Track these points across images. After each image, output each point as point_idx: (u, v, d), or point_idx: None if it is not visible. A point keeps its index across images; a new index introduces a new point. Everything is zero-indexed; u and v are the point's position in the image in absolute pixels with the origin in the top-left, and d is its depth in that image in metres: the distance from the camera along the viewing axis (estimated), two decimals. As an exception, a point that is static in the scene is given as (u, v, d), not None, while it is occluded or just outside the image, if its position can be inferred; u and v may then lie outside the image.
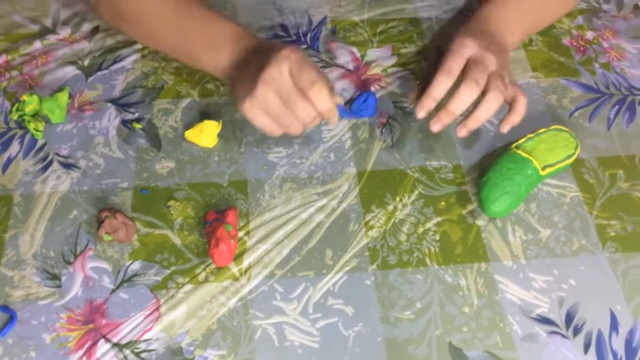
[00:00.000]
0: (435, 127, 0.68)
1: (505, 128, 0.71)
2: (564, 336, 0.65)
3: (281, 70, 0.64)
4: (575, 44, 0.91)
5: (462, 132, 0.69)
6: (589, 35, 0.92)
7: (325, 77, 0.67)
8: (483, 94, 0.68)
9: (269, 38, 0.89)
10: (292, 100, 0.65)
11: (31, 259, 0.68)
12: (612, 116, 0.83)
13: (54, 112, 0.78)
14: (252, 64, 0.67)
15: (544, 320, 0.66)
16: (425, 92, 0.68)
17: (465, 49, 0.68)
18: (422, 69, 0.86)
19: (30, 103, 0.77)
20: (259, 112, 0.66)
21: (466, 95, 0.67)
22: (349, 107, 0.81)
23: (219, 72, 0.73)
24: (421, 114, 0.69)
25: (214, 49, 0.72)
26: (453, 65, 0.69)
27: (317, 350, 0.64)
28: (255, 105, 0.65)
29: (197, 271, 0.68)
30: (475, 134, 0.80)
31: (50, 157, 0.76)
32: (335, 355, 0.63)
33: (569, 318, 0.66)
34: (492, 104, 0.67)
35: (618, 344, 0.65)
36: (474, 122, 0.68)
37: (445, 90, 0.68)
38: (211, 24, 0.73)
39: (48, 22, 0.89)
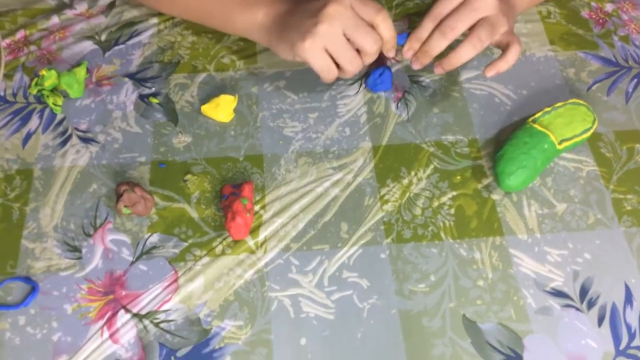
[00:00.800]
0: (437, 70, 0.72)
1: (489, 72, 0.71)
2: (578, 309, 0.66)
3: (344, 5, 0.65)
4: (594, 16, 0.89)
5: (438, 70, 0.72)
6: (608, 7, 0.90)
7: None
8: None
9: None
10: (360, 30, 0.66)
11: (52, 231, 0.69)
12: (630, 90, 0.82)
13: (72, 86, 0.79)
14: (300, 9, 0.68)
15: (558, 293, 0.67)
16: (411, 33, 0.71)
17: None
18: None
19: (49, 78, 0.78)
20: (319, 51, 0.67)
21: (467, 51, 0.69)
22: (364, 82, 0.81)
23: (257, 30, 0.73)
24: (408, 54, 0.72)
25: (249, 6, 0.73)
26: (443, 9, 0.69)
27: (332, 322, 0.65)
28: (318, 42, 0.66)
29: (214, 244, 0.69)
30: (490, 108, 0.79)
31: (69, 131, 0.77)
32: (350, 326, 0.64)
33: (584, 291, 0.67)
34: (467, 51, 0.69)
35: (632, 317, 0.65)
36: (447, 63, 0.71)
37: (428, 32, 0.70)
38: None
39: (65, -3, 0.90)
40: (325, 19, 0.65)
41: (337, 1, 0.65)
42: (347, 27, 0.66)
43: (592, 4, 0.91)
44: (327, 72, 0.69)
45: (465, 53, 0.69)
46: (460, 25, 0.68)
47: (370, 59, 0.69)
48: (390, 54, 0.71)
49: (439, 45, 0.69)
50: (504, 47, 0.71)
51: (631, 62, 0.84)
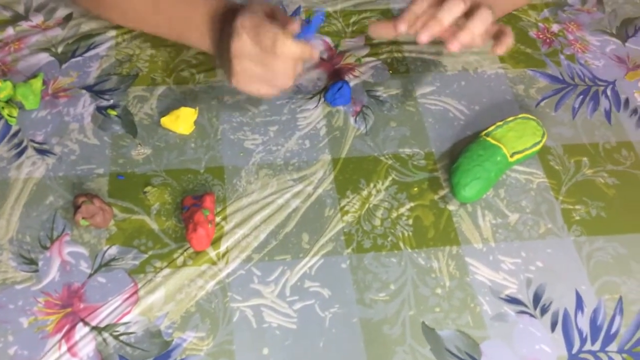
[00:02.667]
0: (423, 37, 0.65)
1: (452, 46, 0.65)
2: (532, 315, 0.68)
3: (243, 41, 0.64)
4: (541, 36, 0.94)
5: (424, 36, 0.65)
6: (555, 27, 0.95)
7: (281, 24, 0.65)
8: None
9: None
10: (265, 63, 0.65)
11: (7, 244, 0.68)
12: (576, 106, 0.86)
13: (28, 98, 0.77)
14: (225, 37, 0.68)
15: (512, 300, 0.69)
16: (405, 10, 0.68)
17: None
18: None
19: (4, 89, 0.77)
20: (246, 83, 0.67)
21: (453, 7, 0.64)
22: (324, 96, 0.82)
23: (209, 51, 0.73)
24: (402, 26, 0.67)
25: (198, 29, 0.72)
26: None
27: (295, 331, 0.65)
28: (239, 79, 0.67)
29: (175, 255, 0.69)
30: (446, 122, 0.82)
31: (25, 143, 0.76)
32: (312, 335, 0.65)
33: (537, 298, 0.69)
34: (453, 7, 0.64)
35: (583, 322, 0.68)
36: (436, 24, 0.64)
37: (422, 9, 0.67)
38: (190, 6, 0.73)
39: (20, 9, 0.88)
40: (234, 60, 0.65)
41: (237, 37, 0.64)
42: (253, 61, 0.65)
43: (540, 24, 0.95)
44: (265, 93, 0.68)
45: (450, 10, 0.64)
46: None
47: (300, 67, 0.68)
48: (313, 60, 0.70)
49: (455, 9, 0.64)
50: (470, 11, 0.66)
51: (577, 79, 0.88)
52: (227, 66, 0.67)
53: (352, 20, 0.92)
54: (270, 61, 0.65)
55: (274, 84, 0.67)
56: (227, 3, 0.72)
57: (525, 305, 0.68)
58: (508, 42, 0.69)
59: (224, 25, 0.69)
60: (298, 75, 0.68)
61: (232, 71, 0.66)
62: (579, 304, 0.69)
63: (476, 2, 0.67)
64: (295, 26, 0.66)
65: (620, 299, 0.70)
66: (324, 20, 0.78)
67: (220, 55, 0.70)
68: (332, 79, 0.85)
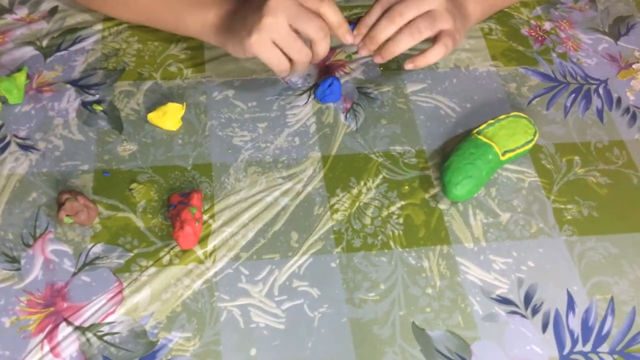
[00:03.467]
0: (377, 59, 0.72)
1: (407, 65, 0.72)
2: (523, 316, 0.67)
3: (282, 6, 0.65)
4: (533, 34, 0.93)
5: (378, 59, 0.72)
6: (547, 25, 0.94)
7: None
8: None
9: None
10: (303, 18, 0.66)
11: (-12, 241, 0.66)
12: (568, 104, 0.85)
13: (11, 92, 0.76)
14: (246, 6, 0.68)
15: (503, 300, 0.68)
16: (360, 20, 0.72)
17: None
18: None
19: (-13, 83, 0.75)
20: (267, 44, 0.67)
21: (405, 40, 0.69)
22: (314, 93, 0.81)
23: (208, 30, 0.73)
24: (357, 38, 0.72)
25: (200, 7, 0.72)
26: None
27: (283, 332, 0.64)
28: (264, 36, 0.66)
29: (161, 254, 0.67)
30: (437, 120, 0.81)
31: (8, 138, 0.74)
32: (301, 336, 0.64)
33: (528, 298, 0.68)
34: (405, 40, 0.69)
35: (575, 323, 0.67)
36: (386, 53, 0.71)
37: (377, 17, 0.71)
38: None
39: (5, 1, 0.87)
40: (268, 12, 0.65)
41: None
42: (290, 18, 0.66)
43: (532, 22, 0.94)
44: (278, 64, 0.69)
45: (403, 42, 0.69)
46: (407, 12, 0.69)
47: (320, 48, 0.69)
48: (346, 39, 0.70)
49: (385, 30, 0.70)
50: (433, 41, 0.72)
51: (569, 78, 0.88)
52: (247, 28, 0.67)
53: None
54: (306, 22, 0.66)
55: (295, 52, 0.68)
56: None
57: (517, 306, 0.68)
58: (419, 61, 0.72)
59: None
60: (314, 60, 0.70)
61: (257, 27, 0.66)
62: (571, 305, 0.68)
63: (440, 39, 0.71)
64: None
65: (612, 299, 0.69)
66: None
67: (234, 24, 0.70)
68: (322, 75, 0.84)
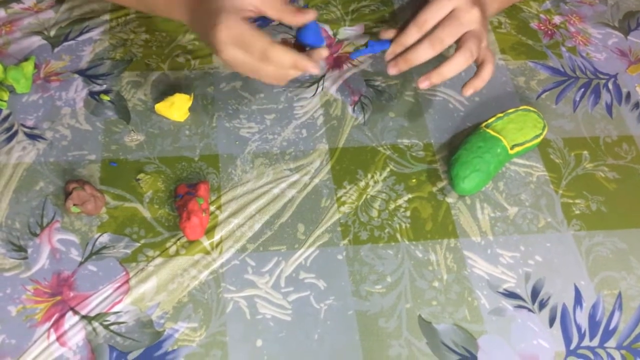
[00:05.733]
0: (423, 84, 0.68)
1: (467, 91, 0.70)
2: (530, 310, 0.67)
3: (228, 54, 0.61)
4: (543, 27, 0.92)
5: (424, 84, 0.68)
6: (557, 19, 0.93)
7: (280, 11, 0.64)
8: (455, 49, 0.68)
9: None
10: (256, 71, 0.63)
11: (-4, 230, 0.66)
12: (577, 99, 0.84)
13: (19, 81, 0.76)
14: (204, 18, 0.64)
15: (510, 294, 0.68)
16: (395, 39, 0.69)
17: (451, 1, 0.67)
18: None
19: (-6, 72, 0.75)
20: (234, 69, 0.64)
21: (459, 64, 0.67)
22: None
23: (177, 7, 0.69)
24: (389, 56, 0.69)
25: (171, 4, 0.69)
26: (430, 17, 0.68)
27: (289, 323, 0.64)
28: (227, 65, 0.64)
29: (168, 244, 0.67)
30: (444, 112, 0.81)
31: (16, 127, 0.74)
32: (307, 327, 0.64)
33: (535, 293, 0.68)
34: (459, 64, 0.67)
35: (582, 318, 0.67)
36: (437, 77, 0.68)
37: (414, 41, 0.68)
38: None
39: (12, -9, 0.87)
40: (218, 53, 0.62)
41: (221, 52, 0.62)
42: (244, 67, 0.63)
43: (541, 15, 0.94)
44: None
45: (457, 66, 0.67)
46: (449, 38, 0.67)
47: (292, 76, 0.65)
48: (310, 71, 0.65)
49: (425, 55, 0.67)
50: (479, 62, 0.71)
51: (578, 72, 0.87)
52: (211, 47, 0.63)
53: (351, 8, 0.91)
54: (262, 72, 0.63)
55: (265, 81, 0.65)
56: None
57: (524, 300, 0.67)
58: (477, 85, 0.70)
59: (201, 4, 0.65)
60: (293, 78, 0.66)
61: (218, 56, 0.63)
62: (578, 299, 0.68)
63: (484, 57, 0.70)
64: (296, 17, 0.64)
65: (620, 294, 0.69)
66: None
67: (199, 31, 0.66)
68: (331, 67, 0.83)
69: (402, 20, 0.90)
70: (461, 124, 0.80)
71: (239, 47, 0.61)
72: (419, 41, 0.68)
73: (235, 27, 0.61)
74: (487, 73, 0.70)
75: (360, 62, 0.85)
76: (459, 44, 0.68)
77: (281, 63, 0.62)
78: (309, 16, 0.64)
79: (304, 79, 0.82)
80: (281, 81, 0.65)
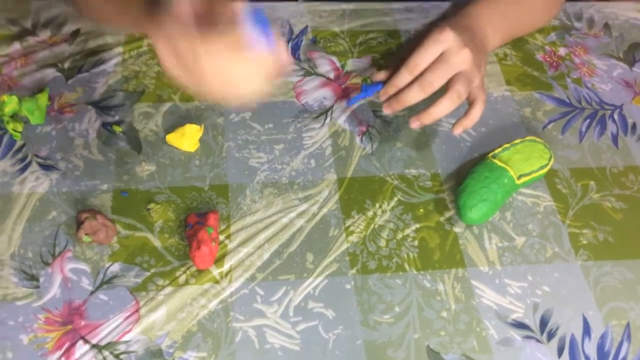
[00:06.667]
0: (414, 124, 0.72)
1: (457, 130, 0.74)
2: (538, 340, 0.67)
3: (167, 61, 0.56)
4: (548, 59, 0.93)
5: (415, 124, 0.72)
6: (562, 51, 0.95)
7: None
8: (445, 90, 0.71)
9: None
10: (196, 80, 0.57)
11: (9, 259, 0.67)
12: (583, 129, 0.85)
13: (33, 113, 0.77)
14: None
15: (519, 324, 0.68)
16: (388, 81, 0.73)
17: (441, 44, 0.70)
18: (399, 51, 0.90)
19: (10, 103, 0.77)
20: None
21: (447, 106, 0.70)
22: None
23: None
24: (383, 97, 0.74)
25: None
26: (420, 61, 0.71)
27: (298, 353, 0.64)
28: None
29: (178, 274, 0.68)
30: (451, 143, 0.81)
31: (29, 158, 0.75)
32: (316, 357, 0.64)
33: (543, 323, 0.68)
34: (447, 106, 0.70)
35: (590, 348, 0.67)
36: (427, 118, 0.71)
37: (405, 83, 0.72)
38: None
39: (28, 24, 0.89)
40: (164, 65, 0.57)
41: (160, 50, 0.56)
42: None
43: (547, 47, 0.95)
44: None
45: (445, 108, 0.70)
46: (438, 81, 0.70)
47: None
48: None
49: (416, 97, 0.71)
50: (470, 101, 0.74)
51: (584, 103, 0.88)
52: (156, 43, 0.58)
53: (358, 41, 0.92)
54: (199, 75, 0.56)
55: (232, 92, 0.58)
56: None
57: (532, 330, 0.67)
58: (466, 124, 0.73)
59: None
60: (267, 80, 0.57)
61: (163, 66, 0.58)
62: (586, 330, 0.68)
63: (475, 96, 0.73)
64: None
65: (628, 324, 0.69)
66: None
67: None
68: (338, 99, 0.85)
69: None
70: (468, 154, 0.81)
71: (173, 57, 0.56)
72: (411, 83, 0.71)
73: (164, 37, 0.56)
74: (476, 112, 0.73)
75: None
76: (448, 85, 0.71)
77: (217, 59, 0.54)
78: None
79: (312, 109, 0.83)
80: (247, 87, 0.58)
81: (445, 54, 0.70)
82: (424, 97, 0.71)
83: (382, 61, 0.90)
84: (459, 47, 0.70)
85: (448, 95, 0.70)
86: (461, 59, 0.70)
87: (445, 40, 0.70)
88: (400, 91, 0.72)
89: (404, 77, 0.72)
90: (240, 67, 0.56)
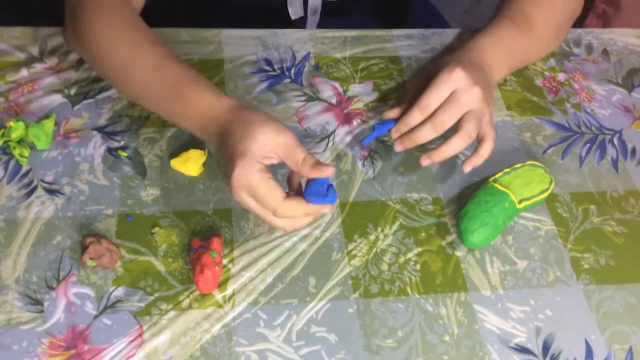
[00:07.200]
0: (424, 162, 0.74)
1: (467, 168, 0.75)
2: (541, 365, 0.67)
3: (240, 196, 0.65)
4: (547, 84, 0.95)
5: (426, 162, 0.74)
6: (561, 77, 0.96)
7: (298, 159, 0.65)
8: (456, 129, 0.73)
9: (253, 72, 0.91)
10: (265, 219, 0.65)
11: (13, 283, 0.68)
12: (583, 154, 0.86)
13: (39, 138, 0.78)
14: (226, 154, 0.66)
15: (521, 349, 0.68)
16: (400, 119, 0.75)
17: (451, 83, 0.72)
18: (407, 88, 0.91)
19: (16, 129, 0.78)
20: (246, 203, 0.66)
21: (458, 145, 0.73)
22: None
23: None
24: (395, 135, 0.75)
25: (204, 128, 0.70)
26: (431, 101, 0.73)
27: (301, 377, 0.64)
28: (239, 199, 0.66)
29: (181, 298, 0.68)
30: (452, 167, 0.82)
31: (35, 183, 0.76)
32: (318, 382, 0.64)
33: (546, 347, 0.68)
34: (458, 145, 0.73)
35: (593, 372, 0.67)
36: (437, 156, 0.74)
37: (417, 122, 0.73)
38: (192, 97, 0.70)
39: (35, 51, 0.90)
40: (233, 188, 0.64)
41: (234, 191, 0.64)
42: (255, 210, 0.65)
43: (546, 73, 0.96)
44: (264, 215, 0.66)
45: (456, 147, 0.73)
46: (449, 120, 0.72)
47: (299, 228, 0.70)
48: (323, 212, 0.68)
49: (428, 136, 0.73)
50: (479, 139, 0.75)
51: (583, 128, 0.89)
52: (228, 178, 0.65)
53: (360, 67, 0.94)
54: (271, 221, 0.65)
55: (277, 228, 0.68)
56: (224, 118, 0.68)
57: (535, 355, 0.67)
58: (476, 161, 0.75)
59: (224, 137, 0.67)
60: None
61: (233, 192, 0.65)
62: (589, 354, 0.68)
63: (484, 134, 0.74)
64: (314, 170, 0.65)
65: (631, 349, 0.69)
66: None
67: (221, 162, 0.69)
68: (341, 123, 0.86)
69: (407, 76, 0.93)
70: (469, 179, 0.82)
71: (252, 196, 0.64)
72: (423, 122, 0.73)
73: (250, 178, 0.63)
74: (486, 150, 0.75)
75: (370, 117, 0.87)
76: (459, 124, 0.73)
77: (293, 216, 0.65)
78: (327, 172, 0.65)
79: (315, 134, 0.84)
80: (292, 229, 0.68)
81: (456, 94, 0.72)
82: (436, 136, 0.73)
83: (384, 86, 0.91)
84: (469, 86, 0.72)
85: (459, 136, 0.72)
86: (472, 98, 0.72)
87: (455, 79, 0.72)
88: (412, 130, 0.74)
89: (416, 116, 0.73)
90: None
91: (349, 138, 0.84)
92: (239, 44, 0.95)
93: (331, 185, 0.67)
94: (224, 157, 0.67)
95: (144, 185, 0.77)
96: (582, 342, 0.69)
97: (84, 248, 0.68)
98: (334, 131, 0.85)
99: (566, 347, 0.68)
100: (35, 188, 0.76)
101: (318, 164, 0.65)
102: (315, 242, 0.74)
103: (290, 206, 0.64)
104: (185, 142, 0.81)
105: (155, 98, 0.74)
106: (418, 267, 0.73)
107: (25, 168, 0.77)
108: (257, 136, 0.64)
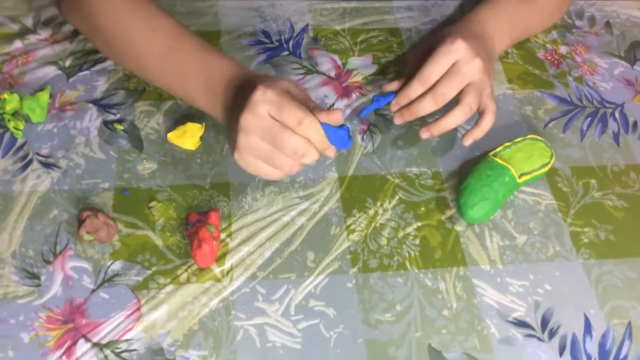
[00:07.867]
0: (424, 135, 0.74)
1: (467, 142, 0.74)
2: (539, 339, 0.67)
3: (258, 114, 0.61)
4: (549, 57, 0.93)
5: (425, 135, 0.74)
6: (563, 49, 0.95)
7: (309, 107, 0.63)
8: (456, 102, 0.72)
9: (250, 44, 0.90)
10: (279, 139, 0.61)
11: (9, 257, 0.67)
12: (585, 128, 0.85)
13: (34, 111, 0.77)
14: (237, 108, 0.64)
15: (520, 323, 0.68)
16: (400, 91, 0.73)
17: (452, 55, 0.70)
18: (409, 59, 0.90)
19: (11, 102, 0.77)
20: (250, 161, 0.63)
21: (459, 117, 0.71)
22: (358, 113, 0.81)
23: (216, 117, 0.70)
24: (394, 108, 0.74)
25: (211, 91, 0.69)
26: (432, 73, 0.71)
27: (299, 351, 0.64)
28: (243, 154, 0.63)
29: (179, 272, 0.68)
30: (451, 141, 0.81)
31: (30, 156, 0.75)
32: (317, 356, 0.64)
33: (545, 322, 0.68)
34: (458, 118, 0.72)
35: (592, 347, 0.67)
36: (437, 129, 0.73)
37: (418, 94, 0.72)
38: (206, 62, 0.70)
39: (28, 22, 0.89)
40: (241, 133, 0.62)
41: (251, 109, 0.61)
42: (264, 137, 0.62)
43: (548, 46, 0.95)
44: (268, 175, 0.65)
45: (456, 120, 0.72)
46: (450, 92, 0.71)
47: (307, 159, 0.64)
48: (329, 155, 0.66)
49: (428, 109, 0.72)
50: (480, 111, 0.74)
51: (585, 101, 0.88)
52: (232, 138, 0.64)
53: (359, 39, 0.92)
54: (285, 138, 0.61)
55: (280, 166, 0.64)
56: (244, 73, 0.68)
57: (533, 329, 0.67)
58: (476, 135, 0.74)
59: (237, 95, 0.66)
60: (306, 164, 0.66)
61: (236, 146, 0.63)
62: (588, 328, 0.68)
63: (485, 107, 0.73)
64: (322, 115, 0.63)
65: (630, 323, 0.69)
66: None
67: (228, 126, 0.67)
68: (340, 97, 0.85)
69: (406, 48, 0.91)
70: (469, 153, 0.81)
71: (259, 136, 0.62)
72: (423, 94, 0.71)
73: (279, 86, 0.63)
74: (486, 123, 0.74)
75: (369, 91, 0.86)
76: (459, 96, 0.72)
77: (315, 135, 0.62)
78: (334, 117, 0.63)
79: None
80: (289, 171, 0.64)
81: (457, 65, 0.71)
82: (437, 108, 0.72)
83: (383, 59, 0.90)
84: (470, 57, 0.71)
85: (460, 108, 0.71)
86: (473, 69, 0.71)
87: (456, 51, 0.71)
88: (412, 102, 0.72)
89: (416, 88, 0.72)
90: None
91: (348, 111, 0.83)
92: (236, 15, 0.93)
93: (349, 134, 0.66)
94: (238, 106, 0.64)
95: (141, 159, 0.76)
96: (581, 316, 0.69)
97: (80, 222, 0.68)
98: (333, 104, 0.84)
99: (565, 322, 0.68)
100: (30, 161, 0.75)
101: (327, 111, 0.64)
102: (314, 216, 0.73)
103: (315, 121, 0.62)
104: (183, 116, 0.80)
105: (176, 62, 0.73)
106: (417, 241, 0.73)
107: (20, 141, 0.76)
108: (278, 79, 0.65)
